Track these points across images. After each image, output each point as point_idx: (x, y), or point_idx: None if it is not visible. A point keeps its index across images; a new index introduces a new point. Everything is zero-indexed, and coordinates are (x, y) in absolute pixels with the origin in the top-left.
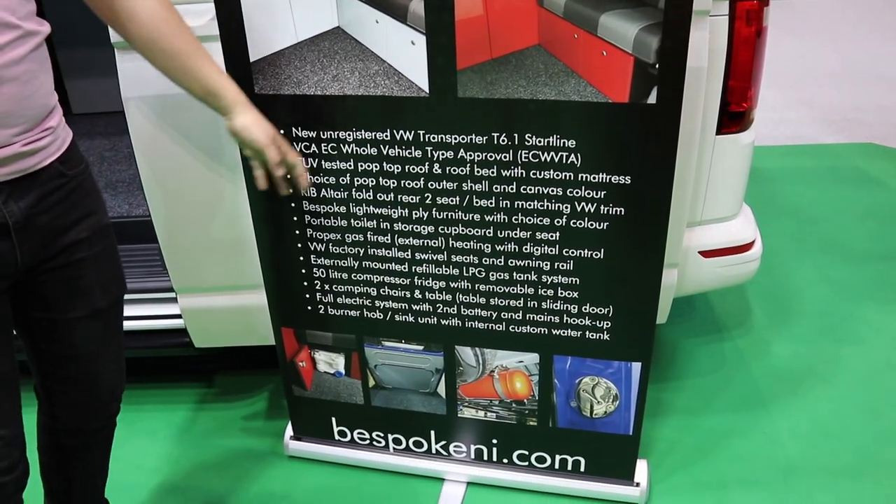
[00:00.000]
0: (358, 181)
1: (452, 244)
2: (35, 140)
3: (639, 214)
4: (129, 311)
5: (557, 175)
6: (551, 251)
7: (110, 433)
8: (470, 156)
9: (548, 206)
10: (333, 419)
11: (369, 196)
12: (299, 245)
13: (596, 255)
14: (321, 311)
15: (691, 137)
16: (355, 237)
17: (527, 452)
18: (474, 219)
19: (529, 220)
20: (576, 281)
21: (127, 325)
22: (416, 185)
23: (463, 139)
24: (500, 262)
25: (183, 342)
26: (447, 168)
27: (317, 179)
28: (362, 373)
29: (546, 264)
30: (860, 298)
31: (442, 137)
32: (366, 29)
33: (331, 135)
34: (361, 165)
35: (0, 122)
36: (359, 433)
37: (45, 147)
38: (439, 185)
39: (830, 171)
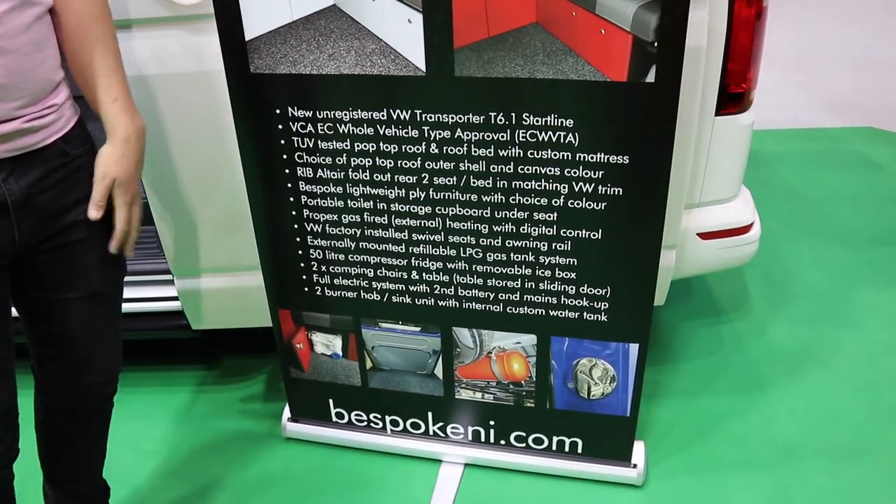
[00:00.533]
0: (354, 161)
1: (449, 224)
2: (38, 117)
3: (637, 194)
4: (125, 293)
5: (555, 155)
6: (549, 231)
7: (107, 414)
8: (467, 135)
9: (545, 186)
10: (331, 401)
11: (366, 176)
12: (296, 226)
13: (594, 235)
14: (318, 293)
15: (690, 118)
16: (352, 218)
17: (524, 434)
18: (471, 199)
19: (527, 201)
20: (574, 262)
21: (124, 307)
22: (413, 165)
23: (460, 119)
24: (498, 242)
25: (180, 324)
26: (444, 148)
27: (313, 160)
28: (360, 354)
29: (544, 245)
30: (858, 282)
31: (439, 117)
32: (362, 7)
33: (327, 114)
34: (358, 145)
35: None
36: (356, 415)
37: (49, 125)
38: (436, 165)
39: (830, 154)
